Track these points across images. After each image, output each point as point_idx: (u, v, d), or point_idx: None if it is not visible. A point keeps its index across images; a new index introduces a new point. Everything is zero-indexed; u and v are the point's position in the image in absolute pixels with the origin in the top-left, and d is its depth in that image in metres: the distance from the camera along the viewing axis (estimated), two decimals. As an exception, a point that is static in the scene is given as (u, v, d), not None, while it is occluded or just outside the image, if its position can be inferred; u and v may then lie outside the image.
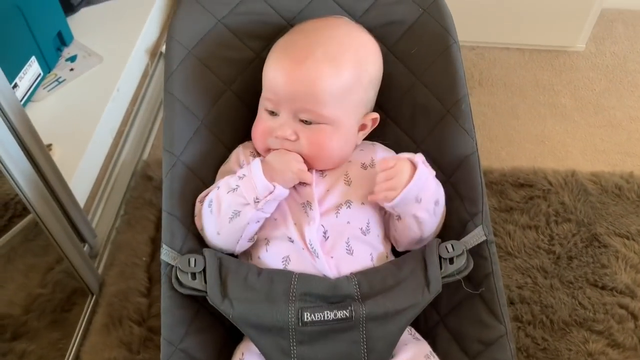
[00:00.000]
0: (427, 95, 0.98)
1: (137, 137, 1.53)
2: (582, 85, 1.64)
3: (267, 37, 0.98)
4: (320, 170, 0.91)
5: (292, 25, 0.96)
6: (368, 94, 0.91)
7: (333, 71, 0.84)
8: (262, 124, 0.89)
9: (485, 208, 0.89)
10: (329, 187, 0.88)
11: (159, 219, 1.19)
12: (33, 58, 1.44)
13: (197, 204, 0.90)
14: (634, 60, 1.69)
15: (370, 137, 0.95)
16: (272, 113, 0.87)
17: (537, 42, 1.74)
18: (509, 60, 1.72)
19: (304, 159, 0.86)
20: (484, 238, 0.86)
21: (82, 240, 1.21)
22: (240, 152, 0.95)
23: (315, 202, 0.86)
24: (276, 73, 0.86)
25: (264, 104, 0.89)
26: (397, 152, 0.97)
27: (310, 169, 0.89)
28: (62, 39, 1.55)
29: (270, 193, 0.81)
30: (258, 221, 0.83)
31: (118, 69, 1.48)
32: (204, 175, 0.93)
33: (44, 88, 1.45)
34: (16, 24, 1.37)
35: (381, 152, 0.96)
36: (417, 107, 0.99)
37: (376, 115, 0.93)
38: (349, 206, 0.87)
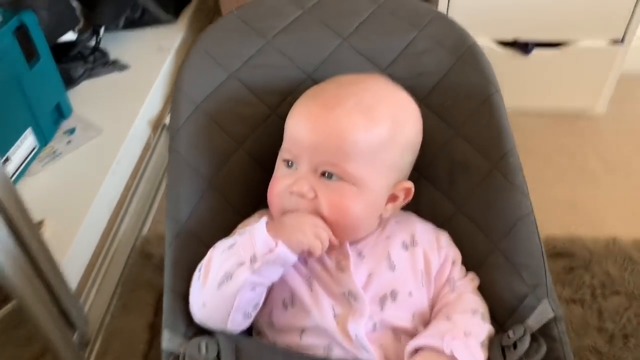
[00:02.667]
0: (467, 151, 0.86)
1: (137, 211, 1.41)
2: (609, 149, 1.58)
3: (284, 91, 0.88)
4: (354, 245, 0.78)
5: (312, 79, 0.86)
6: (404, 159, 0.78)
7: (366, 123, 0.73)
8: (277, 180, 0.76)
9: (548, 278, 0.75)
10: (371, 272, 0.75)
11: (159, 302, 1.04)
12: (29, 130, 1.35)
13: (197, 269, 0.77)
14: (658, 121, 1.62)
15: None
16: (290, 165, 0.76)
17: (557, 106, 1.68)
18: (528, 125, 1.65)
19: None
20: (552, 315, 0.71)
21: (72, 327, 1.05)
22: (254, 219, 0.81)
23: (360, 292, 0.72)
24: (300, 118, 0.75)
25: (282, 154, 0.77)
26: (434, 217, 0.85)
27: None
28: (61, 112, 1.47)
29: (271, 251, 0.67)
30: (254, 288, 0.68)
31: (118, 142, 1.39)
32: (209, 239, 0.79)
33: (39, 161, 1.36)
34: (13, 96, 1.29)
35: (420, 227, 0.83)
36: (455, 164, 0.87)
37: (410, 184, 0.79)
38: (394, 298, 0.74)
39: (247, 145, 0.87)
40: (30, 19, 1.33)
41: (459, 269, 0.81)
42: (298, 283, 0.75)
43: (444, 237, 0.83)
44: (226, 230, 0.83)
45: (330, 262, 0.77)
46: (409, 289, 0.76)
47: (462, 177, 0.86)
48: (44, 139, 1.40)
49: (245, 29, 0.88)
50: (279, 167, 0.79)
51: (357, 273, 0.75)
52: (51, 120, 1.43)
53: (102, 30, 1.63)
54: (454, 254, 0.82)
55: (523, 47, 1.55)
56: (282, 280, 0.74)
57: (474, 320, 0.74)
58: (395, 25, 0.91)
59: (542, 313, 0.71)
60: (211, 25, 0.88)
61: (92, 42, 1.61)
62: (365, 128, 0.74)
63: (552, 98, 1.67)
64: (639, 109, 1.67)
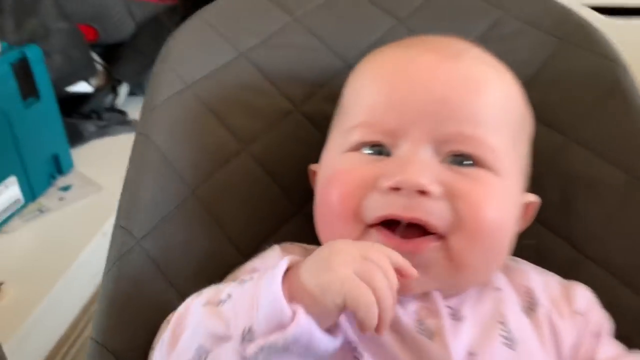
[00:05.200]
0: (590, 161, 0.57)
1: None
2: None
3: (312, 82, 0.63)
4: (448, 303, 0.47)
5: (351, 68, 0.59)
6: (526, 149, 0.53)
7: (505, 83, 0.50)
8: (349, 171, 0.48)
9: None
10: (475, 347, 0.44)
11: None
12: (11, 179, 1.12)
13: (163, 324, 0.47)
14: None
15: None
16: (376, 149, 0.48)
17: None
18: None
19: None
20: None
21: None
22: (277, 259, 0.48)
23: None
24: (403, 70, 0.49)
25: (356, 135, 0.49)
26: (545, 263, 0.53)
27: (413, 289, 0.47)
28: (59, 166, 1.25)
29: (281, 328, 0.37)
30: None
31: (116, 202, 1.14)
32: (181, 279, 0.50)
33: (21, 217, 1.14)
34: (-1, 134, 1.09)
35: (536, 276, 0.51)
36: (572, 183, 0.57)
37: (535, 198, 0.53)
38: None
39: (256, 149, 0.60)
40: (34, 54, 1.16)
41: (609, 345, 0.48)
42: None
43: (580, 292, 0.50)
44: (208, 264, 0.53)
45: (405, 318, 0.45)
46: None
47: (585, 202, 0.56)
48: (31, 193, 1.18)
49: (262, 1, 0.65)
50: (342, 155, 0.49)
51: (456, 343, 0.44)
52: (44, 174, 1.21)
53: (123, 89, 1.47)
54: (598, 319, 0.49)
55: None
56: None
57: None
58: (470, 3, 0.66)
59: None
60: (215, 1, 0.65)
61: (110, 100, 1.44)
62: (505, 89, 0.50)
63: None
64: None
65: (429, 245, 0.45)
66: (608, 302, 0.50)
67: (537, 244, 0.55)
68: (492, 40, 0.63)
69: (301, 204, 0.60)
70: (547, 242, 0.57)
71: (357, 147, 0.48)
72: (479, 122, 0.46)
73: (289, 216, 0.60)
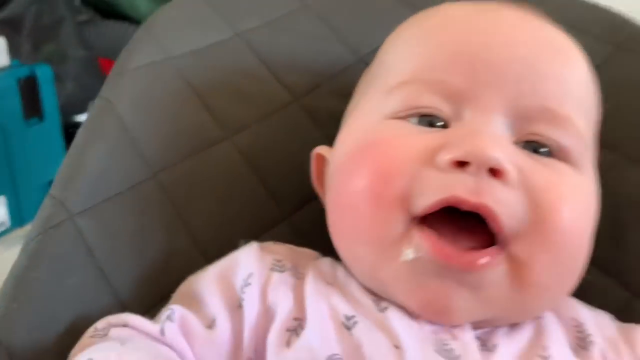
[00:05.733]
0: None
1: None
2: None
3: (318, 74, 0.54)
4: (476, 332, 0.35)
5: (365, 63, 0.50)
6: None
7: (585, 62, 0.40)
8: (393, 141, 0.36)
9: None
10: None
11: None
12: (1, 199, 1.05)
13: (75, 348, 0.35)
14: None
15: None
16: (427, 119, 0.36)
17: None
18: None
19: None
20: None
21: None
22: (252, 259, 0.39)
23: None
24: (481, 25, 0.38)
25: (402, 95, 0.37)
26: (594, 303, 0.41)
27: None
28: (55, 192, 1.17)
29: None
30: None
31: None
32: (120, 275, 0.39)
33: (3, 242, 1.06)
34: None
35: (587, 313, 0.39)
36: (624, 208, 0.46)
37: None
38: None
39: (242, 140, 0.50)
40: (44, 73, 1.12)
41: None
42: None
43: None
44: (161, 271, 0.43)
45: (405, 327, 0.34)
46: None
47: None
48: (19, 217, 1.10)
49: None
50: (384, 125, 0.37)
51: None
52: (37, 199, 1.13)
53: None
54: None
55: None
56: None
57: None
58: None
59: None
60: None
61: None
62: (588, 70, 0.39)
63: None
64: None
65: (495, 261, 0.33)
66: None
67: (584, 289, 0.43)
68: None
69: (289, 211, 0.50)
70: (593, 280, 0.44)
71: (404, 115, 0.36)
72: (568, 99, 0.36)
73: (272, 223, 0.49)
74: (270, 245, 0.42)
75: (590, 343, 0.36)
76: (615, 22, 0.56)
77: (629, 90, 0.50)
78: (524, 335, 0.36)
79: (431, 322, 0.34)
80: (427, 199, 0.33)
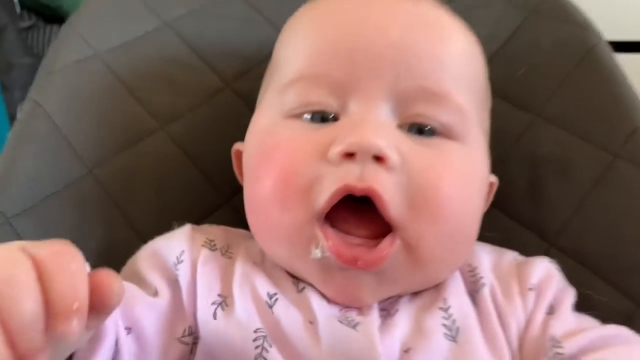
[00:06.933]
0: (559, 140, 0.49)
1: None
2: None
3: (248, 57, 0.55)
4: (384, 306, 0.39)
5: None
6: (489, 122, 0.45)
7: (466, 35, 0.42)
8: (290, 141, 0.38)
9: None
10: (411, 342, 0.36)
11: None
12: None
13: None
14: None
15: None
16: (318, 115, 0.38)
17: None
18: None
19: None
20: None
21: None
22: (184, 239, 0.41)
23: None
24: (356, 15, 0.39)
25: (294, 93, 0.39)
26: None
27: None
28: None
29: None
30: None
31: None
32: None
33: None
34: None
35: (484, 257, 0.42)
36: (540, 165, 0.49)
37: (495, 178, 0.45)
38: None
39: (176, 129, 0.51)
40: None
41: (566, 319, 0.38)
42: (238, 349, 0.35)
43: (535, 267, 0.41)
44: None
45: (320, 304, 0.37)
46: None
47: (556, 185, 0.47)
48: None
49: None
50: (282, 126, 0.39)
51: (385, 340, 0.35)
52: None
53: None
54: (554, 293, 0.39)
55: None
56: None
57: None
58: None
59: None
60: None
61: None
62: (469, 44, 0.41)
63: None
64: None
65: (390, 253, 0.35)
66: (581, 295, 0.41)
67: (502, 237, 0.46)
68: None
69: (230, 195, 0.51)
70: (513, 233, 0.47)
71: (297, 112, 0.39)
72: (446, 76, 0.38)
73: (213, 208, 0.51)
74: (205, 227, 0.44)
75: (482, 285, 0.39)
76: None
77: (542, 53, 0.53)
78: (426, 292, 0.39)
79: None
80: (325, 193, 0.35)
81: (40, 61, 1.10)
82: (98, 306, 0.26)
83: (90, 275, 0.26)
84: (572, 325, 0.37)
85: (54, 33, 1.33)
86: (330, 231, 0.36)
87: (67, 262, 0.25)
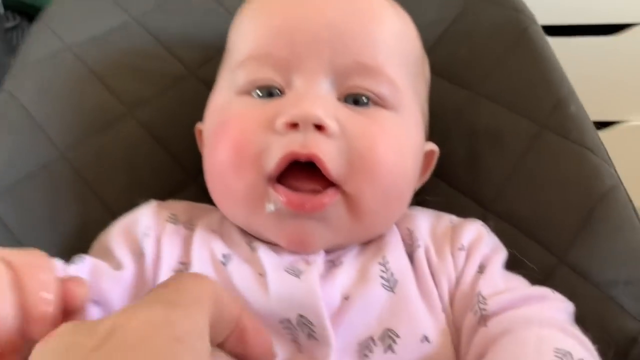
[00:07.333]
0: (496, 113, 0.53)
1: None
2: None
3: (210, 46, 0.59)
4: (330, 256, 0.43)
5: None
6: (425, 94, 0.50)
7: (399, 15, 0.47)
8: (242, 115, 0.43)
9: None
10: (351, 290, 0.41)
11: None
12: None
13: None
14: None
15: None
16: (266, 90, 0.43)
17: None
18: None
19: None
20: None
21: None
22: (150, 214, 0.46)
23: (324, 325, 0.39)
24: (296, 1, 0.44)
25: (243, 72, 0.44)
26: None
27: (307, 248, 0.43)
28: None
29: None
30: None
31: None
32: (41, 245, 0.44)
33: None
34: None
35: (422, 220, 0.47)
36: (478, 137, 0.53)
37: (435, 147, 0.50)
38: (390, 345, 0.39)
39: (143, 114, 0.56)
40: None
41: (494, 278, 0.42)
42: None
43: (467, 228, 0.45)
44: (79, 237, 0.48)
45: (270, 260, 0.42)
46: (422, 329, 0.40)
47: (490, 156, 0.52)
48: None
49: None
50: (235, 102, 0.44)
51: (324, 287, 0.40)
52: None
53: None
54: (484, 252, 0.44)
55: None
56: None
57: None
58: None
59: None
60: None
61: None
62: (402, 23, 0.47)
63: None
64: None
65: (332, 200, 0.40)
66: (514, 256, 0.46)
67: (444, 202, 0.50)
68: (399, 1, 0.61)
69: (196, 174, 0.55)
70: (454, 200, 0.52)
71: (247, 89, 0.43)
72: (378, 52, 0.43)
73: (181, 187, 0.55)
74: (170, 202, 0.48)
75: (418, 246, 0.44)
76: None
77: (479, 36, 0.57)
78: (369, 250, 0.44)
79: (293, 253, 0.42)
80: (274, 159, 0.40)
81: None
82: (67, 308, 0.31)
83: (60, 282, 0.31)
84: (499, 285, 0.42)
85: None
86: (280, 187, 0.40)
87: (39, 272, 0.30)
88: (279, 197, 0.40)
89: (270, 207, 0.40)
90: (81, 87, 0.54)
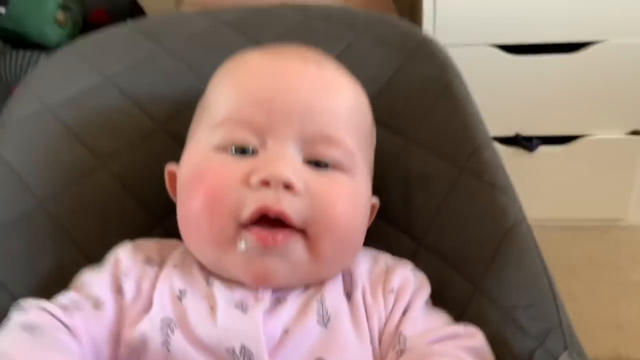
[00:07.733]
0: (425, 158, 0.60)
1: None
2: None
3: (177, 102, 0.66)
4: (277, 294, 0.50)
5: None
6: (372, 157, 0.58)
7: (356, 91, 0.55)
8: (219, 169, 0.49)
9: (564, 320, 0.45)
10: (290, 325, 0.47)
11: None
12: None
13: None
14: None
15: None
16: (242, 150, 0.50)
17: (580, 217, 1.41)
18: (549, 238, 1.35)
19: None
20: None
21: None
22: (128, 256, 0.53)
23: (264, 356, 0.45)
24: (270, 74, 0.52)
25: (222, 131, 0.51)
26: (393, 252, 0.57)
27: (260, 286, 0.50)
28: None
29: None
30: None
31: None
32: (22, 289, 0.51)
33: None
34: None
35: (363, 263, 0.54)
36: (410, 181, 0.60)
37: (376, 199, 0.57)
38: None
39: (115, 166, 0.62)
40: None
41: (417, 321, 0.49)
42: (146, 329, 0.47)
43: (397, 272, 0.52)
44: (56, 280, 0.54)
45: (223, 295, 0.48)
46: None
47: (421, 196, 0.59)
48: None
49: (135, 35, 0.70)
50: (213, 156, 0.50)
51: (268, 320, 0.47)
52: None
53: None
54: (409, 296, 0.51)
55: (526, 143, 1.30)
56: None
57: None
58: (327, 28, 0.71)
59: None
60: (92, 34, 0.70)
61: None
62: (358, 97, 0.55)
63: (574, 210, 1.39)
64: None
65: (292, 237, 0.47)
66: (440, 285, 0.52)
67: (384, 239, 0.57)
68: (347, 59, 0.67)
69: (161, 218, 0.62)
70: (390, 236, 0.58)
71: (224, 146, 0.50)
72: (340, 125, 0.50)
73: (147, 229, 0.62)
74: (141, 241, 0.55)
75: (356, 287, 0.50)
76: (408, 33, 0.70)
77: (414, 89, 0.64)
78: (310, 289, 0.50)
79: (244, 289, 0.49)
80: (248, 210, 0.46)
81: (8, 86, 1.21)
82: None
83: None
84: (419, 326, 0.49)
85: (20, 58, 1.37)
86: (254, 228, 0.47)
87: None
88: (250, 236, 0.47)
89: (242, 245, 0.47)
90: (59, 143, 0.61)
